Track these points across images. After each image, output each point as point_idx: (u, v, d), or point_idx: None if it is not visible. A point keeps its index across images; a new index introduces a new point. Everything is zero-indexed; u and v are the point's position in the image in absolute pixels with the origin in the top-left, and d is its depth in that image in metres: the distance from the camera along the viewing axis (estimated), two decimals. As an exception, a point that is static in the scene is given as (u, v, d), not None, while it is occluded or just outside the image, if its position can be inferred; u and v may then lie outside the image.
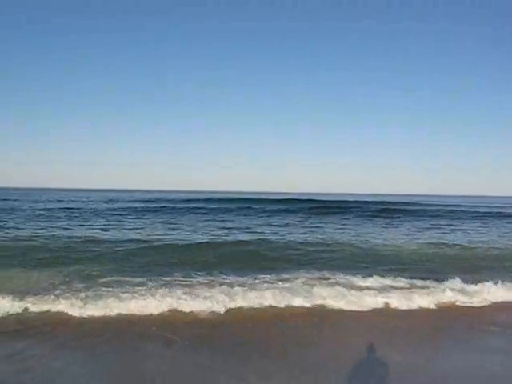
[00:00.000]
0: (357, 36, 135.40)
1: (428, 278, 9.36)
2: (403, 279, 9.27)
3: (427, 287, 8.69)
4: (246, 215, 27.45)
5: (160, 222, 21.39)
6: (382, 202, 43.95)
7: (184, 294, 7.69)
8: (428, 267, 11.06)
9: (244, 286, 8.35)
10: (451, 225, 23.48)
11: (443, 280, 9.11)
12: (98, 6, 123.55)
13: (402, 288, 8.58)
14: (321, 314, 7.15)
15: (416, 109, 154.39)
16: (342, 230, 19.60)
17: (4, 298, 7.05)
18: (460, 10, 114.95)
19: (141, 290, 7.90)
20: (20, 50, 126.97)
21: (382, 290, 8.37)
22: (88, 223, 20.06)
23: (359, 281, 9.04)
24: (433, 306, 7.66)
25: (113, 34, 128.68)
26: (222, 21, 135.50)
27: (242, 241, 14.44)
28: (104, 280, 8.58)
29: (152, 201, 43.47)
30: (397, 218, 27.96)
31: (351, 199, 50.43)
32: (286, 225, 21.54)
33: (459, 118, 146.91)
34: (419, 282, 9.08)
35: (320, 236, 16.72)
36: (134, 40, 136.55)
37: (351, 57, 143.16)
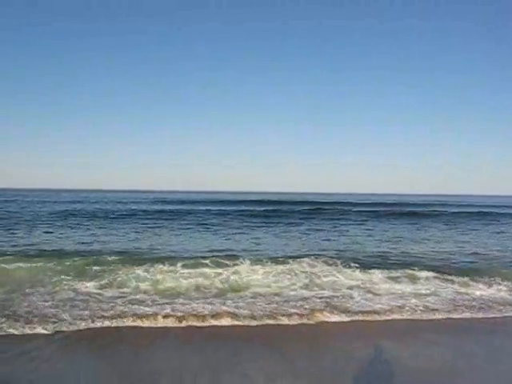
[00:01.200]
0: (359, 34, 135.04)
1: None
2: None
3: None
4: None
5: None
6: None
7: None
8: None
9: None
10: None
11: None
12: (100, 9, 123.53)
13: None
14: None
15: (418, 107, 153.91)
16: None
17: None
18: (461, 8, 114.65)
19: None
20: (22, 53, 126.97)
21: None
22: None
23: None
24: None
25: (114, 37, 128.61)
26: (224, 22, 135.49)
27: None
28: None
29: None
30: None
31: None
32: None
33: (462, 116, 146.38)
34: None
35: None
36: (136, 42, 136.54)
37: (353, 55, 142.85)
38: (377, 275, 9.16)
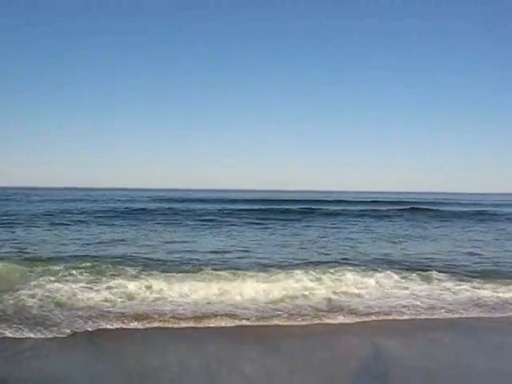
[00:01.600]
0: (359, 34, 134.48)
1: None
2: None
3: None
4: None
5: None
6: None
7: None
8: None
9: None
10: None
11: None
12: (100, 9, 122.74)
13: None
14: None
15: (418, 107, 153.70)
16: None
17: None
18: (462, 8, 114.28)
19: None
20: (22, 53, 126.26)
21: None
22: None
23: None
24: None
25: (115, 36, 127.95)
26: (224, 22, 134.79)
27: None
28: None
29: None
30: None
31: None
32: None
33: (462, 116, 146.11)
34: None
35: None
36: (137, 42, 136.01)
37: (353, 55, 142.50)
38: (385, 275, 8.86)
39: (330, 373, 4.78)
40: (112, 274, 8.36)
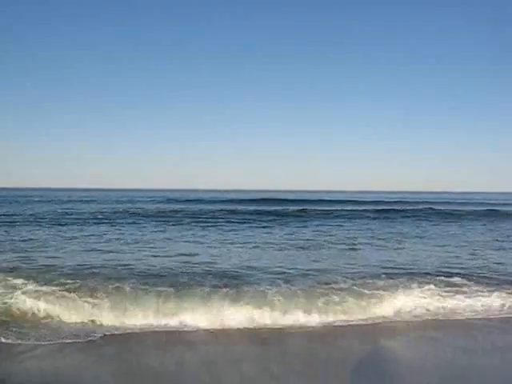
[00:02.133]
0: (359, 34, 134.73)
1: None
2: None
3: None
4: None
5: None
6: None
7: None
8: None
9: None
10: None
11: None
12: (102, 8, 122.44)
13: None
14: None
15: (418, 107, 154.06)
16: None
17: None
18: (461, 9, 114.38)
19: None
20: (20, 50, 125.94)
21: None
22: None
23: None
24: None
25: (115, 33, 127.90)
26: (222, 22, 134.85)
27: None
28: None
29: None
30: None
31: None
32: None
33: (461, 116, 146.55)
34: None
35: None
36: (136, 40, 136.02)
37: (353, 55, 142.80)
38: (406, 279, 8.57)
39: (330, 373, 4.83)
40: (103, 284, 7.93)
